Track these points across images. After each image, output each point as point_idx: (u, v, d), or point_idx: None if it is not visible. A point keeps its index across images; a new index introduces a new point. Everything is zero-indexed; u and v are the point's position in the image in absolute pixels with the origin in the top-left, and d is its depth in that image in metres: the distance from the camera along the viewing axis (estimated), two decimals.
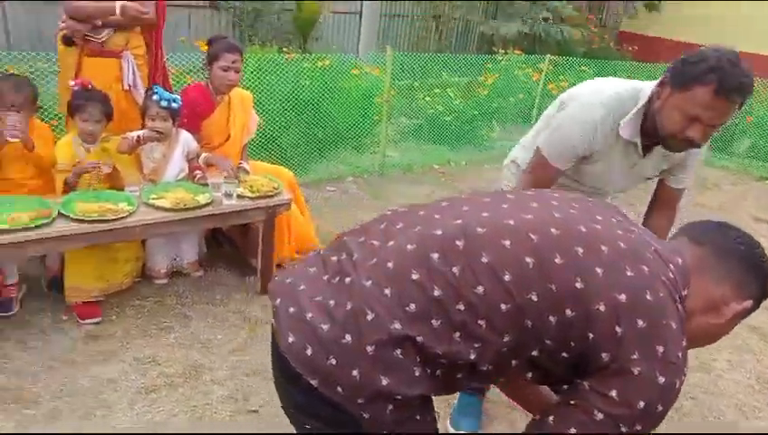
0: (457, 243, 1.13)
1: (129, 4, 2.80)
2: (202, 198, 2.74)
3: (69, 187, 2.72)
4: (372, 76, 5.75)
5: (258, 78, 4.60)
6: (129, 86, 3.04)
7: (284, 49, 6.39)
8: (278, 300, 1.20)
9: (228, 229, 3.34)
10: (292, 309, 1.16)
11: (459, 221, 1.17)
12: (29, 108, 2.65)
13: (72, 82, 2.76)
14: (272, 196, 2.93)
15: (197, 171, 3.02)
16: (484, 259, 1.10)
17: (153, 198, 2.68)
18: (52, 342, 2.57)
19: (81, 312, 2.71)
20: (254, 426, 2.25)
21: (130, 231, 2.56)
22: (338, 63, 5.35)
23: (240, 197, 2.84)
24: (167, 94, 2.80)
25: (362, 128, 5.57)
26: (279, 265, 3.23)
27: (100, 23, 2.84)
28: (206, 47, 3.18)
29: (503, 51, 7.61)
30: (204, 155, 2.98)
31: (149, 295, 2.98)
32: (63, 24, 2.85)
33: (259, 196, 2.89)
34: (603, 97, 1.83)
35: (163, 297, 2.99)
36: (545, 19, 9.44)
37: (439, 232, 1.16)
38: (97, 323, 2.71)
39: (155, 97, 2.79)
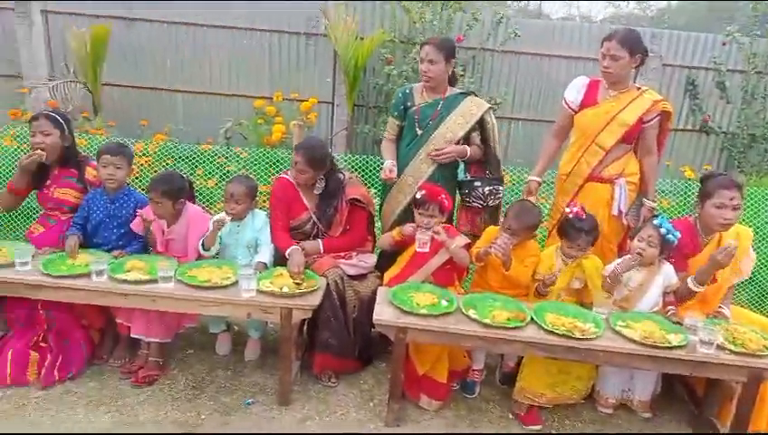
0: None
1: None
2: (674, 339, 2.51)
3: (539, 293, 2.90)
4: None
5: (747, 211, 4.08)
6: (619, 212, 3.10)
7: None
8: None
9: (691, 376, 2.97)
10: None
11: None
12: (525, 233, 2.94)
13: (568, 209, 2.94)
14: (759, 356, 2.47)
15: (671, 307, 2.80)
16: None
17: (621, 326, 2.60)
18: None
19: (525, 417, 2.81)
20: None
21: (593, 354, 2.52)
22: None
23: (720, 347, 2.48)
24: (669, 226, 2.72)
25: None
26: None
27: None
28: (699, 179, 2.98)
29: None
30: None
31: (592, 421, 2.87)
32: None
33: (743, 352, 2.47)
34: None
35: (604, 427, 2.83)
36: None
37: None
38: (538, 431, 2.75)
39: (656, 222, 2.75)
